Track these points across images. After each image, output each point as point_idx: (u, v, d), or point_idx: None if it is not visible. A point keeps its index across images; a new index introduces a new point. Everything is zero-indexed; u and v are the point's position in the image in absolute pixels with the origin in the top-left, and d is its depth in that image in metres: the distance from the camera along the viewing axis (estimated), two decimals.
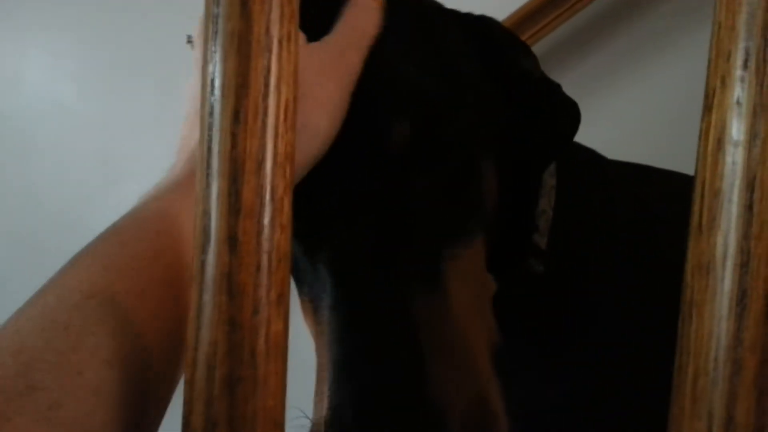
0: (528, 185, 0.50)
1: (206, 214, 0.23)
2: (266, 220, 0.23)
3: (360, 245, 0.37)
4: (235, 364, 0.23)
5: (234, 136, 0.22)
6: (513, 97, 0.47)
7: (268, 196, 0.23)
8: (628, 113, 1.13)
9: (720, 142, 0.21)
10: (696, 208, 0.22)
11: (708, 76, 0.22)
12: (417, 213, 0.39)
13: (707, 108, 0.22)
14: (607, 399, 0.52)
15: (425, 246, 0.38)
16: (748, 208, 0.20)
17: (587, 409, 0.54)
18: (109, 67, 1.51)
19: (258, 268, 0.23)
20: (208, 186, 0.23)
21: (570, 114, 0.50)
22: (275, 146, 0.23)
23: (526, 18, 0.97)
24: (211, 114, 0.23)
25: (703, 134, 0.22)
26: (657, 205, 0.57)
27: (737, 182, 0.21)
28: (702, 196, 0.22)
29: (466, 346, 0.37)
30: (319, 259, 0.39)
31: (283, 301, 0.24)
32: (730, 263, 0.21)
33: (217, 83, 0.22)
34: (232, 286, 0.23)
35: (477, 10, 0.51)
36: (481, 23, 0.49)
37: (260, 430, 0.23)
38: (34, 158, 1.59)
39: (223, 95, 0.22)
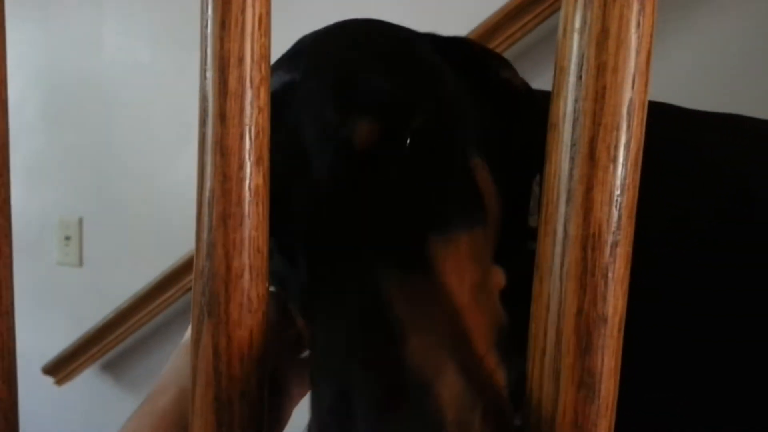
0: (521, 186, 0.50)
1: (204, 97, 0.32)
2: (247, 102, 0.32)
3: (332, 235, 0.38)
4: (227, 204, 0.32)
5: (221, 39, 0.31)
6: (496, 104, 0.48)
7: (248, 84, 0.32)
8: None
9: (566, 31, 0.29)
10: (553, 84, 0.30)
11: None
12: (393, 200, 0.39)
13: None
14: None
15: (404, 230, 0.38)
16: (579, 78, 0.28)
17: None
18: (182, 28, 1.63)
19: (241, 136, 0.32)
20: (204, 77, 0.32)
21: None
22: (252, 47, 0.32)
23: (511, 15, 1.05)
24: (206, 26, 0.32)
25: (560, 25, 0.29)
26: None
27: (574, 59, 0.28)
28: (556, 74, 0.29)
29: (461, 327, 0.36)
30: (300, 259, 0.40)
31: (262, 162, 0.33)
32: (568, 119, 0.28)
33: (210, 2, 0.31)
34: (222, 149, 0.32)
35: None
36: (456, 40, 0.51)
37: (246, 253, 0.33)
38: (115, 118, 1.75)
39: (213, 10, 0.31)
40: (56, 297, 1.87)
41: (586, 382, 0.29)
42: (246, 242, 0.33)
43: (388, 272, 0.36)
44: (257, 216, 0.33)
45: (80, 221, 1.82)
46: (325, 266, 0.38)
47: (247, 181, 0.33)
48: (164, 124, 1.68)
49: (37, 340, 1.82)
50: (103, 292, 1.77)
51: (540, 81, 0.51)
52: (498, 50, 1.23)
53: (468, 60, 0.49)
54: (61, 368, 1.75)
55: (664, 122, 0.57)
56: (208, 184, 0.33)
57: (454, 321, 0.36)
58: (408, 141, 0.40)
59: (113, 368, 1.82)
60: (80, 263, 1.83)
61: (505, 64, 0.51)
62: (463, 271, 0.39)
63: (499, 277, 0.43)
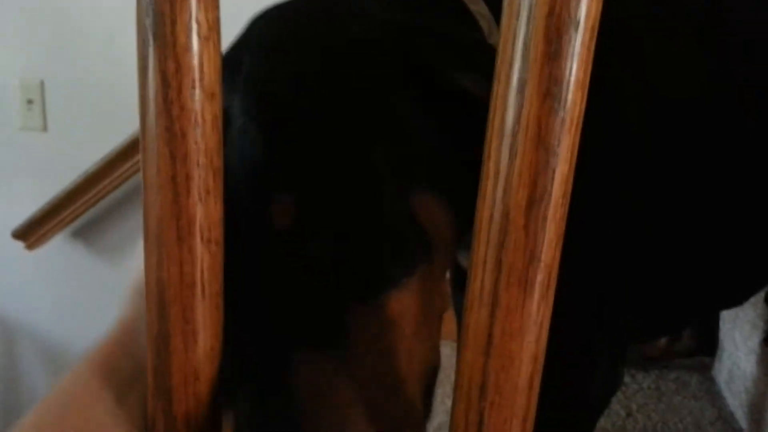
0: None
1: None
2: None
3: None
4: None
5: None
6: (450, 121, 0.41)
7: None
8: None
9: None
10: None
11: None
12: (312, 274, 0.38)
13: None
14: None
15: (321, 306, 0.39)
16: None
17: None
18: None
19: None
20: None
21: None
22: None
23: None
24: None
25: None
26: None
27: None
28: None
29: (393, 371, 0.39)
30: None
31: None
32: None
33: None
34: None
35: None
36: (407, 32, 0.42)
37: None
38: None
39: None
40: (21, 163, 1.82)
41: (551, 92, 0.28)
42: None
43: (300, 355, 0.37)
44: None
45: (42, 84, 1.74)
46: (247, 350, 0.38)
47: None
48: None
49: (3, 208, 1.79)
50: (69, 157, 1.73)
51: None
52: None
53: (415, 59, 0.41)
54: (31, 232, 1.73)
55: None
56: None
57: (374, 381, 0.38)
58: (327, 217, 0.38)
59: (84, 234, 1.81)
60: (44, 128, 1.78)
61: (468, 64, 0.41)
62: (397, 324, 0.39)
63: (442, 304, 0.44)
